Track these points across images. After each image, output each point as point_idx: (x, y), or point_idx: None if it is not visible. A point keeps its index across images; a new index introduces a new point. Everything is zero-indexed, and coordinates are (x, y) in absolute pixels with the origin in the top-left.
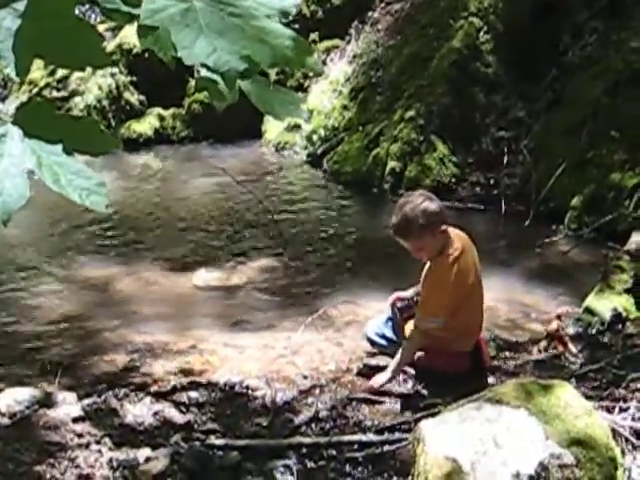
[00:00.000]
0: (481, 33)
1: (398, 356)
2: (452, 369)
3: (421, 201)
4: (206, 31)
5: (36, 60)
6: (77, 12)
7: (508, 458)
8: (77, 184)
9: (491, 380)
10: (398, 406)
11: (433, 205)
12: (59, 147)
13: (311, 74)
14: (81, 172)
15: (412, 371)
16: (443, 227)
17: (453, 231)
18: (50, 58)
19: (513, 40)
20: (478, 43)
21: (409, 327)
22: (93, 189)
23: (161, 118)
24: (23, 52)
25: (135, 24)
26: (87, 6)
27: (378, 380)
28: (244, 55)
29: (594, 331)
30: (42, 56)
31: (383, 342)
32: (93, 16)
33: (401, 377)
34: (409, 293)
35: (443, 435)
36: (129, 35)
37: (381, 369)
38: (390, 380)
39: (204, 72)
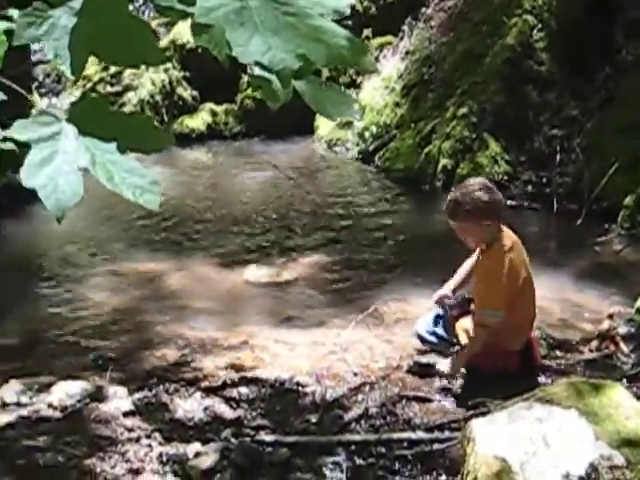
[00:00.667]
0: (535, 31)
1: (464, 353)
2: (503, 367)
3: (476, 188)
4: (261, 29)
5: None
6: (131, 8)
7: (558, 458)
8: (131, 182)
9: (542, 379)
10: (448, 404)
11: (485, 196)
12: (113, 145)
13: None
14: (135, 170)
15: (462, 369)
16: (489, 219)
17: (504, 229)
18: (105, 56)
19: (566, 38)
20: (531, 41)
21: (460, 325)
22: (147, 187)
23: (214, 114)
24: (78, 50)
25: (189, 19)
26: (141, 2)
27: (445, 371)
28: (299, 53)
29: None
30: (97, 54)
31: (433, 339)
32: (147, 12)
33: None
34: (448, 289)
35: (493, 434)
36: (182, 31)
37: (431, 367)
38: (452, 376)
39: (258, 71)
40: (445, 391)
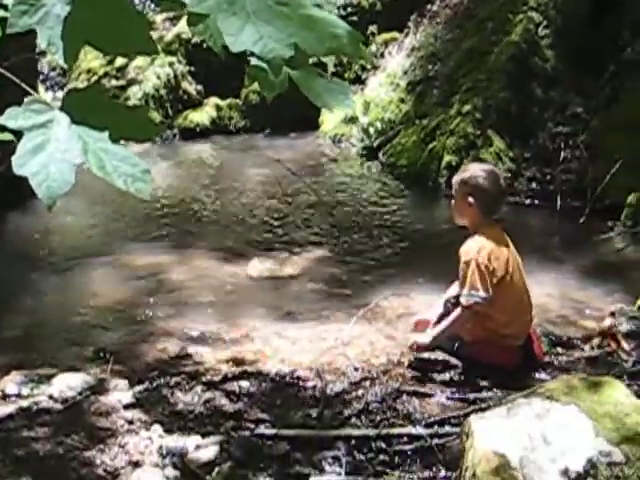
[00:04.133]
0: (540, 28)
1: (443, 325)
2: (503, 363)
3: (475, 169)
4: (253, 18)
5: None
6: (136, 1)
7: (557, 454)
8: (122, 171)
9: (542, 376)
10: (448, 400)
11: (483, 178)
12: (105, 133)
13: (369, 66)
14: (126, 159)
15: (461, 364)
16: (475, 200)
17: (497, 229)
18: (99, 45)
19: (572, 35)
20: (537, 38)
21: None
22: (138, 176)
23: (218, 108)
24: (72, 39)
25: None
26: None
27: (420, 340)
28: (291, 43)
29: None
30: (91, 43)
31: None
32: (152, 5)
33: (452, 370)
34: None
35: (492, 430)
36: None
37: (432, 363)
38: (429, 346)
39: (254, 61)
40: (445, 386)
